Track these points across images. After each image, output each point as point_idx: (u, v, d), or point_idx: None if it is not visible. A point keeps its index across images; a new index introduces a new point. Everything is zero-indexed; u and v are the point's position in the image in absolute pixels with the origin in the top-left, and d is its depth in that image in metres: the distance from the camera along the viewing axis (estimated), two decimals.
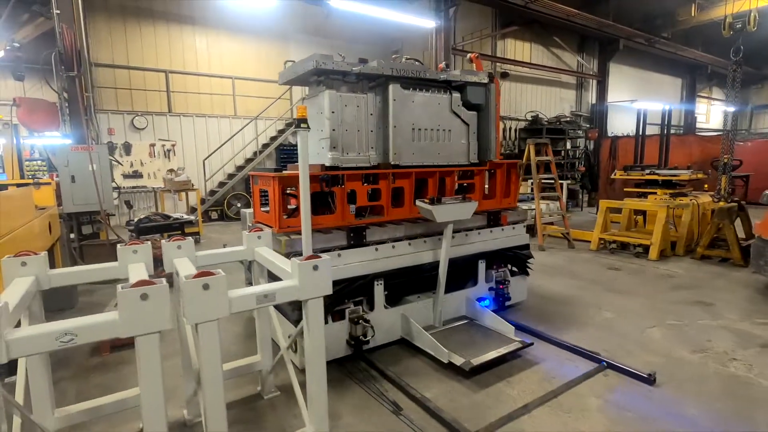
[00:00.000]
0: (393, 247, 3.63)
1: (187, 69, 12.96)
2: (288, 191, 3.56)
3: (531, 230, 8.27)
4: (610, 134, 13.80)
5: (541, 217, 8.08)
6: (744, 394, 3.11)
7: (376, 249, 3.54)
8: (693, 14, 12.97)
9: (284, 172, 3.36)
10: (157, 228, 7.16)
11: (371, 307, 3.60)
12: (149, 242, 2.62)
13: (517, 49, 12.72)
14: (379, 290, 3.58)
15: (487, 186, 4.46)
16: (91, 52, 12.01)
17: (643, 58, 16.23)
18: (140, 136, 12.40)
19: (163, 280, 1.72)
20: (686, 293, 5.32)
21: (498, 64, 12.32)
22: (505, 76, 12.51)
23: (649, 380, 3.21)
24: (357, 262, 3.43)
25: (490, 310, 4.00)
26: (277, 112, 13.51)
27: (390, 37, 13.58)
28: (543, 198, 9.50)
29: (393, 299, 3.82)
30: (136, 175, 12.22)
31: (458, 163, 4.14)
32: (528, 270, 4.67)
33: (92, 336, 1.61)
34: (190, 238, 2.69)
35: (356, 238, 3.47)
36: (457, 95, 4.02)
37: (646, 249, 7.13)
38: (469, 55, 5.23)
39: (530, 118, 12.92)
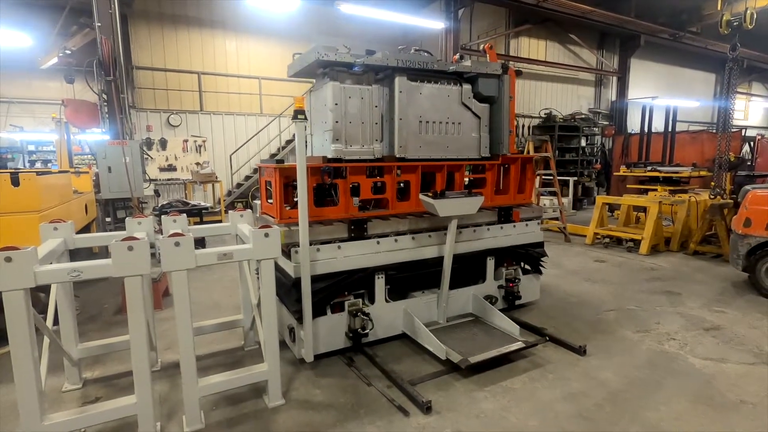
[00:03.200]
0: (395, 240, 3.70)
1: (217, 70, 13.95)
2: (293, 183, 3.51)
3: None
4: (630, 131, 13.65)
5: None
6: (664, 365, 3.45)
7: (378, 242, 3.61)
8: (719, 7, 12.60)
9: (287, 163, 3.72)
10: (178, 212, 8.01)
11: (372, 301, 3.68)
12: (151, 216, 3.29)
13: (531, 47, 12.84)
14: (380, 284, 3.63)
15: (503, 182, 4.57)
16: (133, 57, 13.23)
17: (669, 53, 15.82)
18: (175, 133, 13.50)
19: (146, 237, 2.36)
20: (659, 284, 5.55)
21: (511, 63, 12.51)
22: (518, 74, 12.68)
23: (580, 351, 3.60)
24: (357, 255, 3.52)
25: (498, 309, 4.02)
26: None
27: (409, 39, 14.02)
28: (544, 194, 9.73)
29: (397, 293, 3.88)
30: (171, 168, 13.34)
31: (468, 157, 4.13)
32: (541, 268, 4.66)
33: (93, 274, 2.27)
34: (184, 215, 3.34)
35: (357, 231, 3.55)
36: (468, 87, 4.01)
37: (639, 244, 7.29)
38: (482, 46, 5.47)
39: (544, 116, 13.02)
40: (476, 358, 3.27)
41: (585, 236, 8.22)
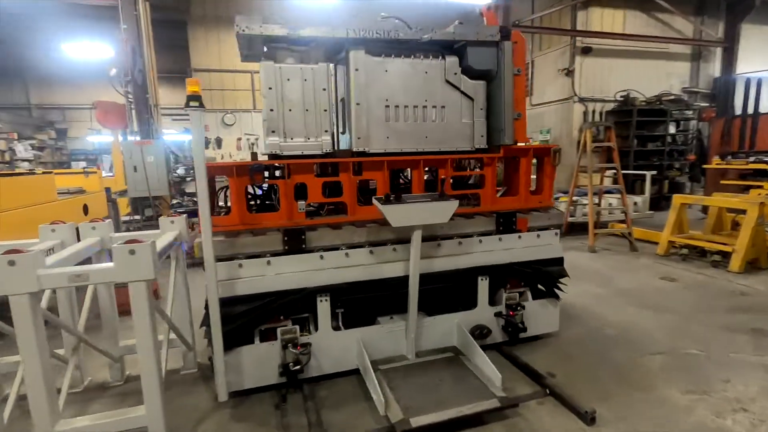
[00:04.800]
0: (347, 255, 3.02)
1: None
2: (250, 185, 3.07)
3: (584, 228, 7.20)
4: (738, 113, 11.09)
5: (593, 214, 6.94)
6: None
7: (321, 257, 2.96)
8: None
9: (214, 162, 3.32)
10: (177, 213, 8.08)
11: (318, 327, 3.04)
12: (184, 215, 3.18)
13: (605, 19, 10.93)
14: (323, 308, 2.98)
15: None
16: (192, 60, 13.92)
17: None
18: (229, 131, 13.95)
19: (155, 240, 2.16)
20: (745, 318, 4.08)
21: (578, 39, 10.77)
22: (586, 51, 10.87)
23: (585, 418, 2.57)
24: (292, 272, 2.89)
25: (496, 343, 3.44)
26: None
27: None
28: (613, 192, 8.17)
29: (356, 319, 3.16)
30: None
31: (456, 149, 3.31)
32: (558, 292, 3.62)
33: (98, 278, 2.20)
34: (183, 217, 3.17)
35: (293, 243, 2.90)
36: (453, 60, 3.20)
37: (730, 258, 5.63)
38: (479, 8, 4.54)
39: (620, 99, 11.05)
40: (422, 419, 2.44)
41: (658, 244, 6.64)
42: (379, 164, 3.17)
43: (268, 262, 2.88)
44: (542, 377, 3.01)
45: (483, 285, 3.39)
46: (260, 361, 2.90)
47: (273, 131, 2.98)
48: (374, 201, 2.86)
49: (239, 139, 14.01)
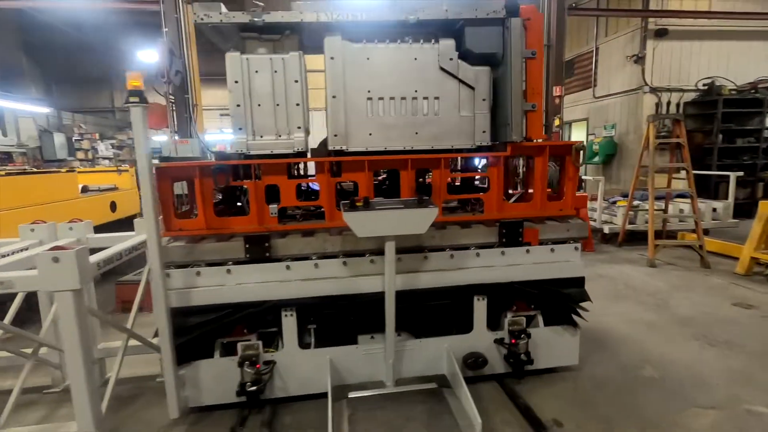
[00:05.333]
0: (316, 266, 2.71)
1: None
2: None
3: (642, 237, 6.23)
4: None
5: (654, 222, 5.95)
6: None
7: (288, 267, 2.67)
8: None
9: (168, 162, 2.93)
10: None
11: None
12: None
13: None
14: (289, 324, 2.69)
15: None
16: None
17: None
18: None
19: (78, 247, 2.06)
20: None
21: (650, 20, 9.41)
22: (661, 34, 9.47)
23: None
24: (255, 283, 2.63)
25: (500, 374, 2.92)
26: None
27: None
28: (687, 194, 7.03)
29: (332, 337, 2.85)
30: None
31: (453, 146, 2.87)
32: (577, 318, 3.00)
33: (23, 286, 2.10)
34: None
35: (254, 250, 2.62)
36: (448, 43, 2.75)
37: None
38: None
39: (703, 88, 9.50)
40: None
41: (738, 260, 5.52)
42: (359, 164, 2.80)
43: (228, 271, 2.64)
44: (543, 427, 2.46)
45: (480, 306, 2.89)
46: (220, 377, 2.67)
47: (240, 128, 2.72)
48: (342, 207, 2.49)
49: None
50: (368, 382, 2.82)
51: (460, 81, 2.85)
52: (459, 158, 3.49)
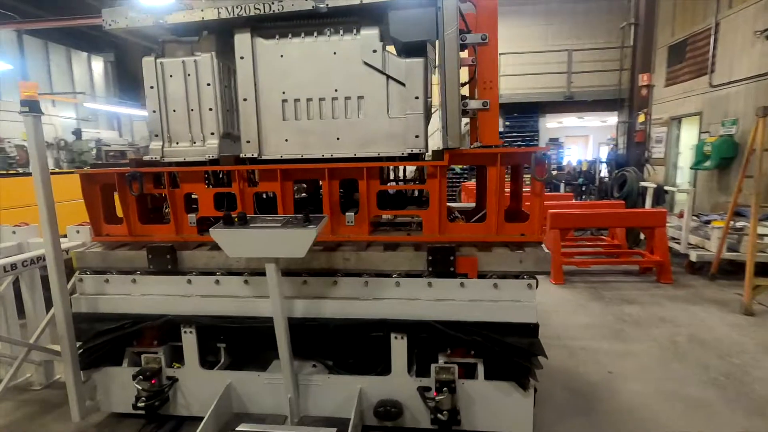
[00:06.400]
0: (217, 282, 2.51)
1: None
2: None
3: (732, 272, 4.77)
4: None
5: (754, 250, 4.49)
6: None
7: (189, 281, 2.52)
8: None
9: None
10: None
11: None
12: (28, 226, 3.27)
13: None
14: (189, 341, 2.55)
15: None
16: None
17: None
18: None
19: None
20: None
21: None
22: None
23: None
24: (158, 295, 2.54)
25: (427, 429, 2.42)
26: None
27: None
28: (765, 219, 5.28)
29: (241, 359, 2.72)
30: None
31: (380, 154, 2.45)
32: (526, 379, 2.32)
33: None
34: None
35: (157, 261, 2.51)
36: (371, 33, 2.35)
37: None
38: None
39: None
40: None
41: None
42: (272, 174, 2.54)
43: (134, 281, 2.60)
44: None
45: (399, 346, 2.40)
46: (126, 386, 2.64)
47: (156, 135, 2.67)
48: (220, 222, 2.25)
49: None
50: (268, 416, 2.54)
51: (388, 76, 2.40)
52: (404, 167, 2.99)
